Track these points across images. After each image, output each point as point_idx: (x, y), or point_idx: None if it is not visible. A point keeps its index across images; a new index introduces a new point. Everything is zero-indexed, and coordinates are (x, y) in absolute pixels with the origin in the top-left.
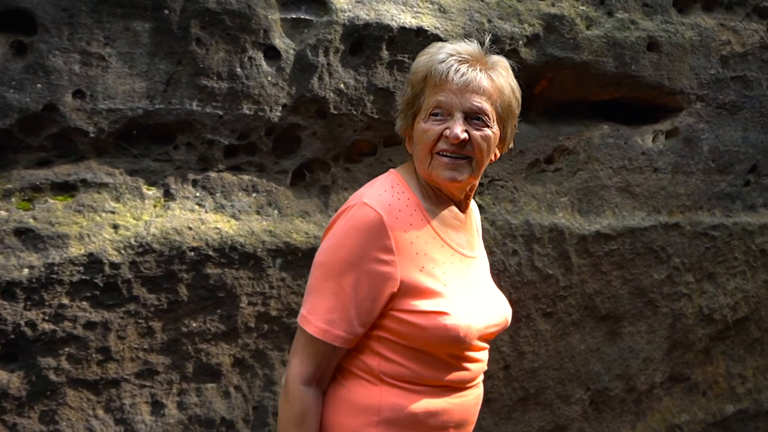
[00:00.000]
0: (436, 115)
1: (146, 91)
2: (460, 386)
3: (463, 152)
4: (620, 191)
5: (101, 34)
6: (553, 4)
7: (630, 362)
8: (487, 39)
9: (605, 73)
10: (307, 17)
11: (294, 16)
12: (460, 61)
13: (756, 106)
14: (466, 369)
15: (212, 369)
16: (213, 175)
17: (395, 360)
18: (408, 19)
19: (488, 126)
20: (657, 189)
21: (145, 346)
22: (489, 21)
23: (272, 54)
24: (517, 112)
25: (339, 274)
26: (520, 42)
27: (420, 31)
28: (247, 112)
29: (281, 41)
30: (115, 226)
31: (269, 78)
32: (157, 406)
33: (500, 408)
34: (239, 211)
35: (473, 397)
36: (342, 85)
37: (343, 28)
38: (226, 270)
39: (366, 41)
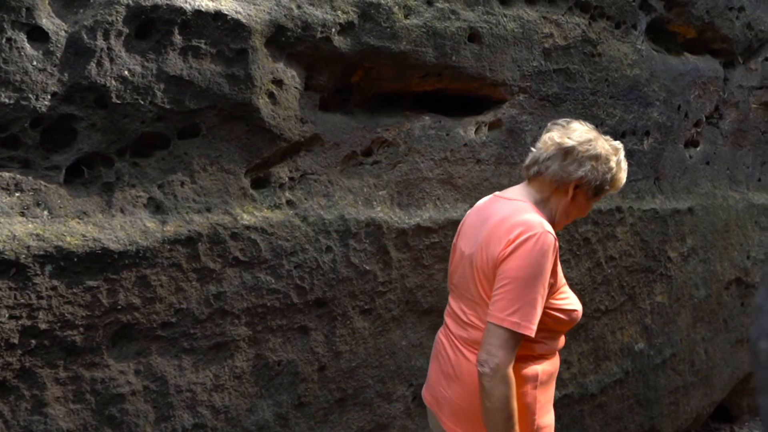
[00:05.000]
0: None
1: None
2: (558, 351)
3: None
4: (442, 183)
5: None
6: None
7: None
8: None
9: (425, 64)
10: None
11: None
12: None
13: (578, 98)
14: (562, 339)
15: None
16: None
17: (543, 342)
18: (204, 2)
19: None
20: (480, 180)
21: None
22: (299, 7)
23: (38, 36)
24: None
25: (536, 286)
26: (333, 30)
27: (218, 15)
28: (6, 100)
29: (50, 21)
30: None
31: (34, 62)
32: None
33: (315, 411)
34: None
35: None
36: (127, 72)
37: (127, 9)
38: None
39: (155, 24)
